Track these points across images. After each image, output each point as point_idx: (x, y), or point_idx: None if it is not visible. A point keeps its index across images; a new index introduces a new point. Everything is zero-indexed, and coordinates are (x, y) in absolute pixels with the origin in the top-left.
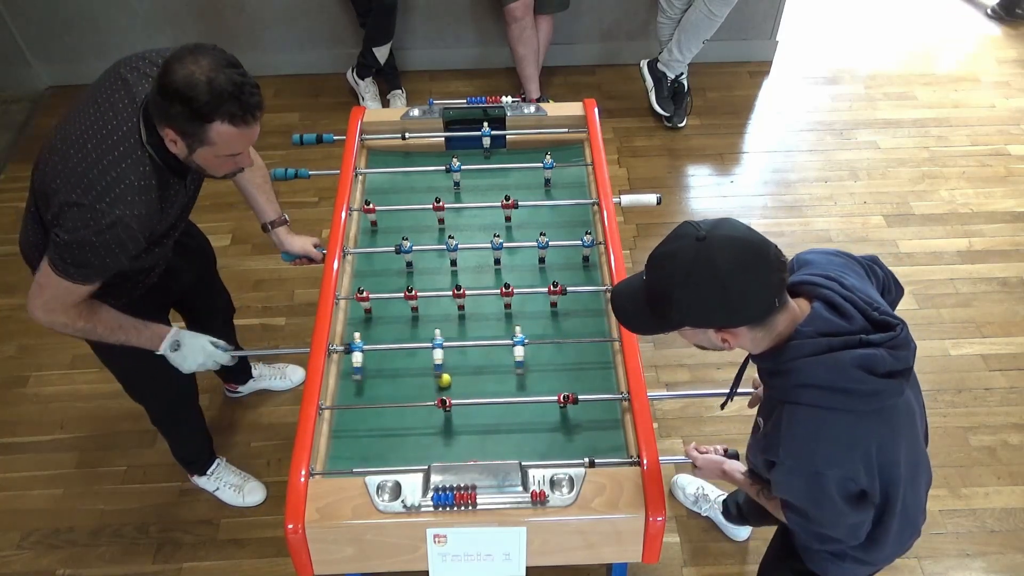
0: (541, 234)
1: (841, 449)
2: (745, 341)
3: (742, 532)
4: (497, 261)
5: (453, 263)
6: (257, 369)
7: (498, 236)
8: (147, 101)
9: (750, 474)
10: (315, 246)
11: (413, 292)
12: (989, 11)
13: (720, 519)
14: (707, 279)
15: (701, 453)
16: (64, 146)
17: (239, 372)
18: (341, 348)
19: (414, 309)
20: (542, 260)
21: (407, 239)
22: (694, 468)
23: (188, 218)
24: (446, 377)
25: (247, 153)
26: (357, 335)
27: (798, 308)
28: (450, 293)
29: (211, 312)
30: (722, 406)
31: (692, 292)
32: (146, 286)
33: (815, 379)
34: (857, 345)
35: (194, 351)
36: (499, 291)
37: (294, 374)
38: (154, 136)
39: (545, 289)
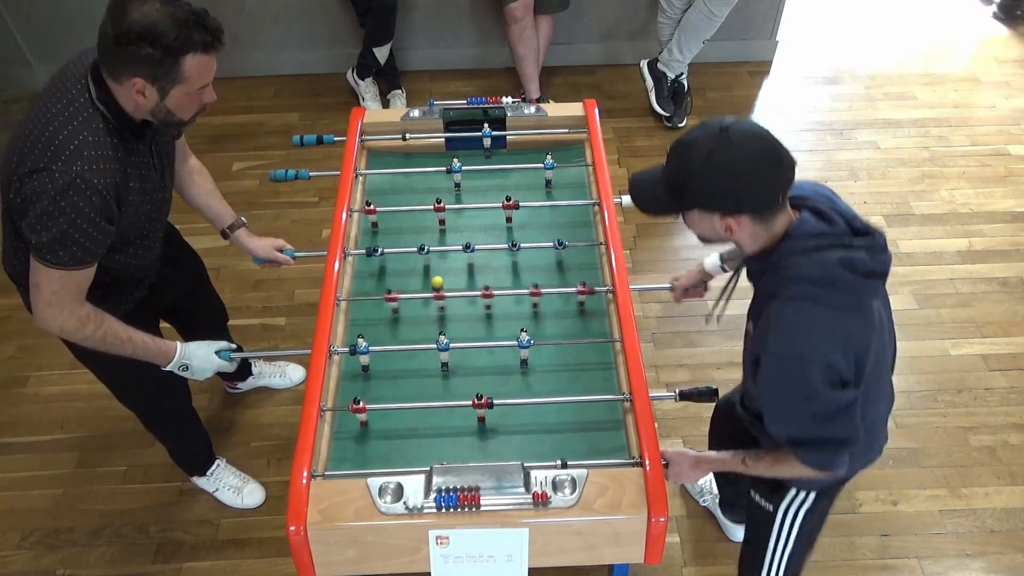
0: (559, 241)
1: (824, 339)
2: (745, 234)
3: (740, 531)
4: (514, 265)
5: (470, 266)
6: (257, 367)
7: (515, 245)
8: (94, 62)
9: (728, 450)
10: (280, 249)
11: (441, 293)
12: (992, 14)
13: (720, 514)
14: (724, 163)
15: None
16: (21, 128)
17: (239, 369)
18: (346, 350)
19: (441, 308)
20: (560, 262)
21: (424, 246)
22: (666, 468)
23: (169, 220)
24: (438, 279)
25: (211, 87)
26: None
27: (792, 216)
28: (479, 293)
29: (205, 323)
30: (706, 320)
31: (708, 174)
32: (136, 298)
33: (804, 275)
34: (841, 247)
35: (202, 370)
36: (528, 292)
37: (294, 373)
38: (104, 94)
39: (574, 289)
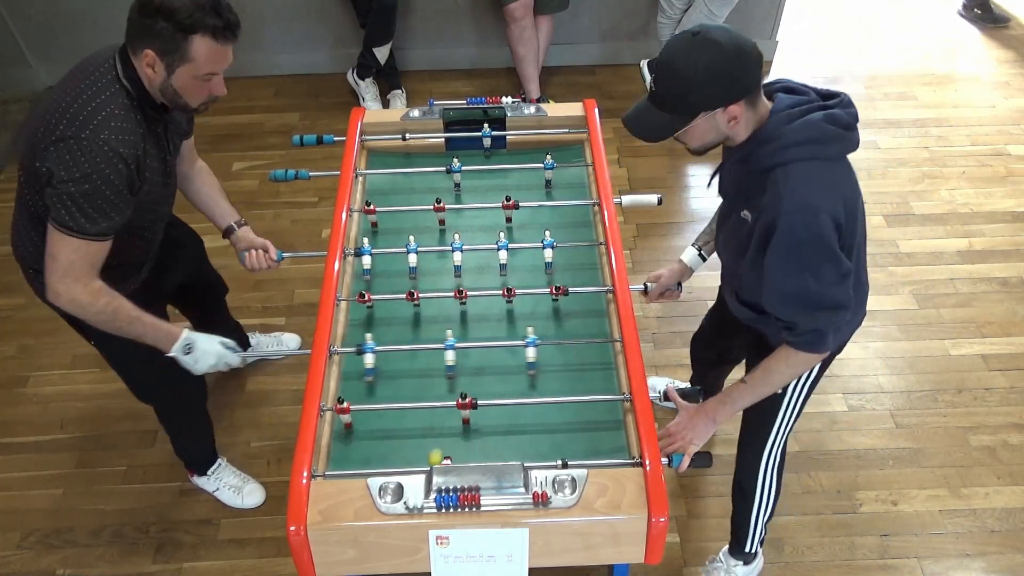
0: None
1: (828, 190)
2: (742, 124)
3: None
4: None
5: (503, 266)
6: (255, 339)
7: (544, 240)
8: (123, 44)
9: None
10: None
11: (464, 292)
12: (957, 12)
13: None
14: (716, 58)
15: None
16: (44, 106)
17: (238, 343)
18: (352, 349)
19: (463, 301)
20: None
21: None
22: (691, 446)
23: (173, 208)
24: (436, 456)
25: (222, 79)
26: (369, 336)
27: (766, 101)
28: (500, 293)
29: (206, 298)
30: (708, 185)
31: (707, 74)
32: (140, 280)
33: (797, 138)
34: (819, 109)
35: (207, 355)
36: (550, 290)
37: (290, 341)
38: (130, 70)
39: (548, 290)
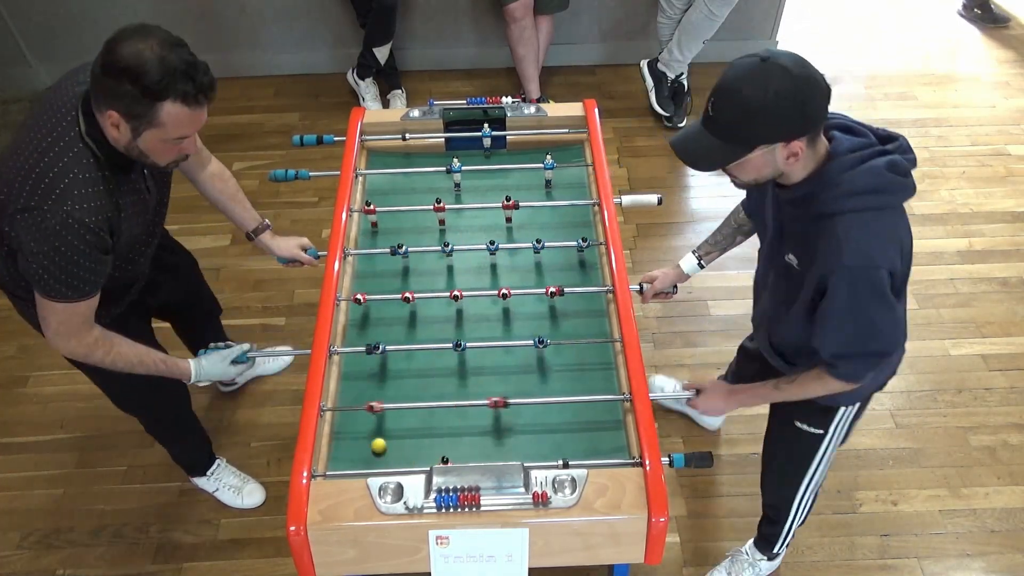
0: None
1: (890, 244)
2: (801, 161)
3: (716, 421)
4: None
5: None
6: (253, 351)
7: (539, 241)
8: (86, 92)
9: (759, 379)
10: (304, 249)
11: (460, 295)
12: (957, 12)
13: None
14: (783, 81)
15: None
16: (9, 154)
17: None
18: (349, 350)
19: (460, 296)
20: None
21: (447, 242)
22: (697, 396)
23: (164, 227)
24: (380, 443)
25: (193, 138)
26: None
27: (824, 139)
28: (496, 293)
29: (198, 317)
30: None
31: (774, 97)
32: (126, 302)
33: (861, 186)
34: (880, 154)
35: (211, 376)
36: (545, 291)
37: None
38: (94, 129)
39: (543, 290)
